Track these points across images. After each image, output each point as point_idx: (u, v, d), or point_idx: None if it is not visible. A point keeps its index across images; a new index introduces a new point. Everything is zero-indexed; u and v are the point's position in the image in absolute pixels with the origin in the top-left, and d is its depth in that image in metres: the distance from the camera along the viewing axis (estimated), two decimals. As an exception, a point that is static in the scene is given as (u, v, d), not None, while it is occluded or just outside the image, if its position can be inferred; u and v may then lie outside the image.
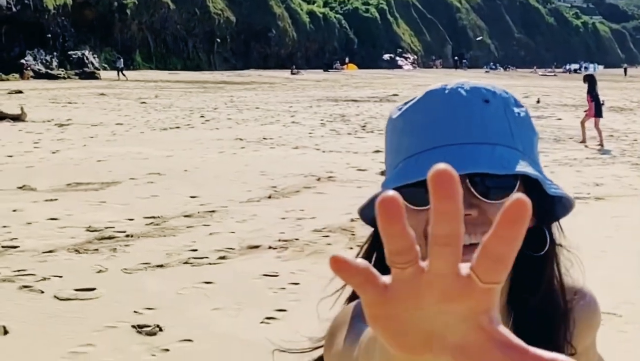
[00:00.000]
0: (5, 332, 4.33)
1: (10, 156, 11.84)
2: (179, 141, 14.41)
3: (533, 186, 0.97)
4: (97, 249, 6.19)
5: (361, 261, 0.47)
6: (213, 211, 7.77)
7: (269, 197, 8.73)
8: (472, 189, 0.93)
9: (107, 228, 6.93)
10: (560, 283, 1.08)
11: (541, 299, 1.06)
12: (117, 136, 15.19)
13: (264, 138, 15.04)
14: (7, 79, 42.05)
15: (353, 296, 1.08)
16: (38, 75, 45.72)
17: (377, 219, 0.45)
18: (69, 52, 51.71)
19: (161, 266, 5.75)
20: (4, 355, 4.00)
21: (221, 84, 41.79)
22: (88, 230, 6.83)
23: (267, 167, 10.90)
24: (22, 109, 18.52)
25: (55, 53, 49.72)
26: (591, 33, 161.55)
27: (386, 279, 0.48)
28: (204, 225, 7.17)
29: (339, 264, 0.46)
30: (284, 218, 7.49)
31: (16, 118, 17.99)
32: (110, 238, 6.59)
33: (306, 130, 16.90)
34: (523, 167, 0.93)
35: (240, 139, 14.79)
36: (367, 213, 1.08)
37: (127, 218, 7.38)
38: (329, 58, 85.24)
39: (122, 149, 12.82)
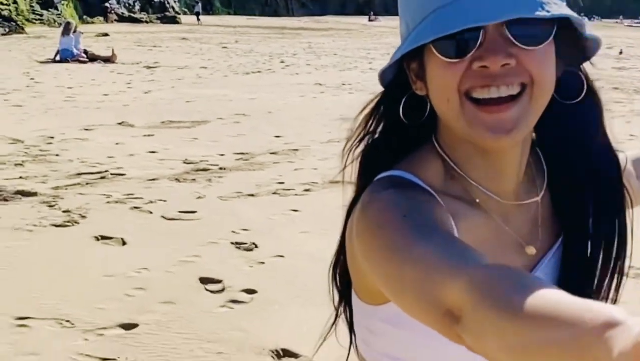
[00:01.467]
0: (124, 243, 5.02)
1: (106, 95, 12.67)
2: (261, 84, 14.99)
3: (565, 30, 0.98)
4: (194, 179, 6.84)
5: None
6: (296, 150, 8.33)
7: (349, 138, 9.21)
8: (511, 37, 0.92)
9: (201, 161, 7.58)
10: (605, 138, 1.09)
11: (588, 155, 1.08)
12: (203, 79, 15.88)
13: (343, 84, 15.46)
14: (93, 22, 43.32)
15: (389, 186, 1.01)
16: (121, 18, 46.88)
17: None
18: (151, -4, 52.73)
19: (252, 195, 6.35)
20: (125, 260, 4.67)
21: (299, 30, 42.10)
22: (185, 162, 7.50)
23: (347, 111, 11.16)
24: (112, 51, 19.43)
25: (138, -3, 50.81)
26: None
27: None
28: (289, 162, 7.74)
29: None
30: (363, 158, 7.97)
31: (107, 60, 18.93)
32: (204, 170, 7.23)
33: (383, 77, 17.17)
34: (562, 9, 0.94)
35: (320, 84, 15.26)
36: (387, 75, 1.06)
37: (218, 153, 8.01)
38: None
39: (208, 91, 13.50)
